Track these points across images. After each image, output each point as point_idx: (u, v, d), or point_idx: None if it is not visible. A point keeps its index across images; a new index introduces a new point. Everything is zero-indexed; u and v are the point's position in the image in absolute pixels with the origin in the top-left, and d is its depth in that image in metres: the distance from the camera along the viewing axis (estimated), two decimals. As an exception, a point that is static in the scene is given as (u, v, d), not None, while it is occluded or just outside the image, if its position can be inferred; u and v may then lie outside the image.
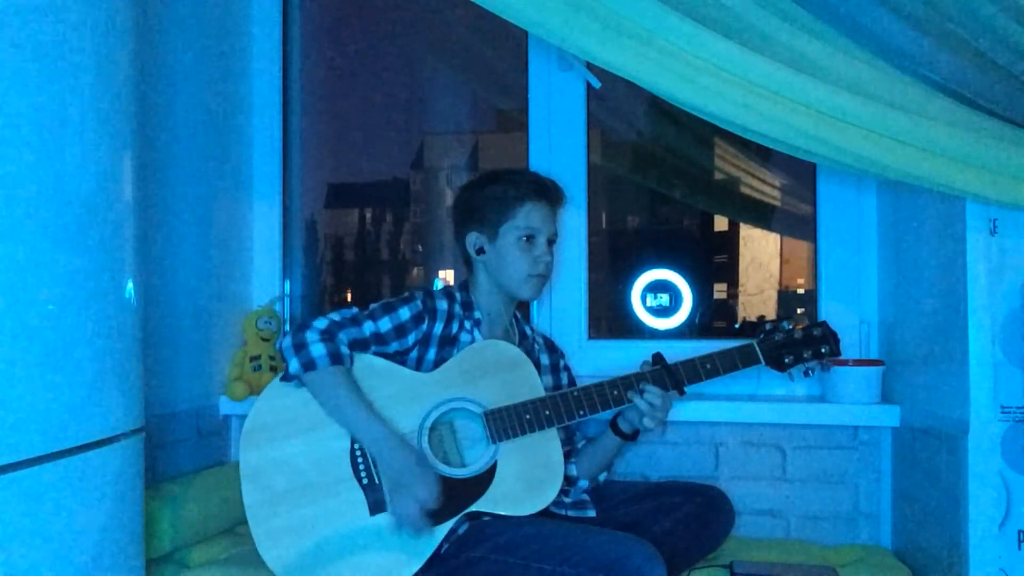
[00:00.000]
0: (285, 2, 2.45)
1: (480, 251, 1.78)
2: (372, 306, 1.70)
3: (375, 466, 1.61)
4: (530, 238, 1.75)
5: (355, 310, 1.68)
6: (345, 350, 1.61)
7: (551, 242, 1.79)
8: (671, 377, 1.69)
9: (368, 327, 1.66)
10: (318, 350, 1.58)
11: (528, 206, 1.75)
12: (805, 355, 1.72)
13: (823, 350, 1.73)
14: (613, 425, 1.79)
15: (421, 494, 1.54)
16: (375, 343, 1.66)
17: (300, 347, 1.58)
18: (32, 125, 1.15)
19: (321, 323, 1.62)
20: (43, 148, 1.17)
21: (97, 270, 1.28)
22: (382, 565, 1.57)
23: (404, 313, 1.68)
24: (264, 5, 2.42)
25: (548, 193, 1.79)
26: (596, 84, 2.18)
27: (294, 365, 1.58)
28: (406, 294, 1.73)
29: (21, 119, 1.13)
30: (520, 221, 1.75)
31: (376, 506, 1.59)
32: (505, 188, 1.77)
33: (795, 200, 2.44)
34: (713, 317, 2.60)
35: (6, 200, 1.11)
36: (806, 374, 1.75)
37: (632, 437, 1.79)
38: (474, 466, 1.63)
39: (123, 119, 1.35)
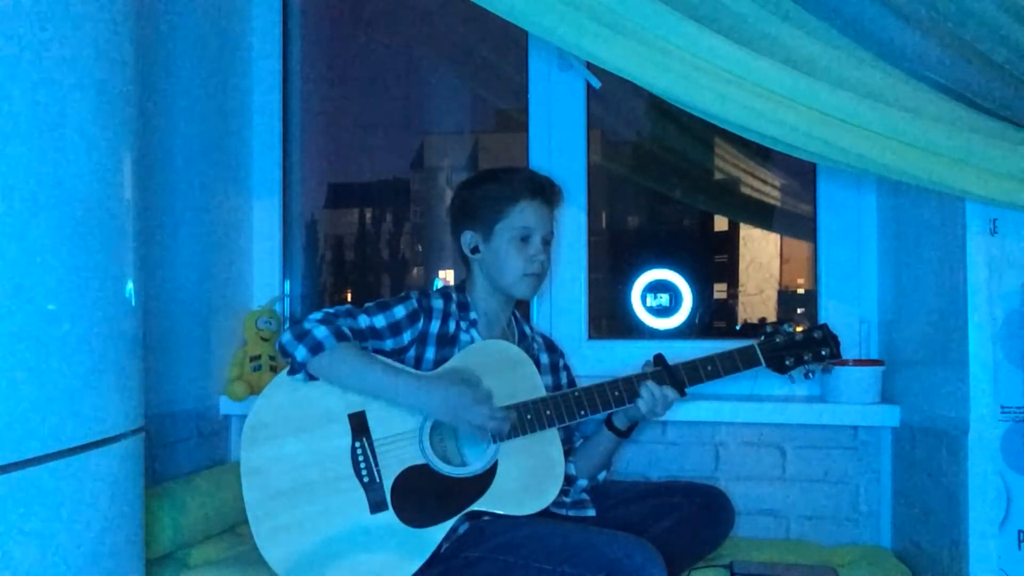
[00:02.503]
0: (285, 3, 2.45)
1: (475, 250, 1.78)
2: (367, 304, 1.70)
3: (376, 464, 1.61)
4: (525, 238, 1.75)
5: (349, 306, 1.68)
6: (346, 330, 1.61)
7: (547, 241, 1.79)
8: (672, 378, 1.69)
9: (363, 320, 1.66)
10: (321, 332, 1.58)
11: (522, 205, 1.75)
12: (806, 357, 1.72)
13: (823, 352, 1.73)
14: (608, 422, 1.79)
15: (478, 417, 1.57)
16: (371, 337, 1.66)
17: (303, 335, 1.58)
18: (32, 125, 1.15)
19: (317, 315, 1.63)
20: (43, 148, 1.17)
21: (97, 270, 1.28)
22: (382, 564, 1.57)
23: (399, 311, 1.68)
24: (264, 5, 2.42)
25: (543, 191, 1.78)
26: (596, 84, 2.18)
27: (301, 352, 1.57)
28: (401, 294, 1.73)
29: (21, 119, 1.13)
30: (514, 220, 1.74)
31: (377, 505, 1.59)
32: (499, 187, 1.77)
33: (795, 200, 2.44)
34: (713, 317, 2.60)
35: (6, 200, 1.11)
36: (807, 376, 1.75)
37: (626, 433, 1.79)
38: (475, 465, 1.63)
39: (123, 119, 1.35)
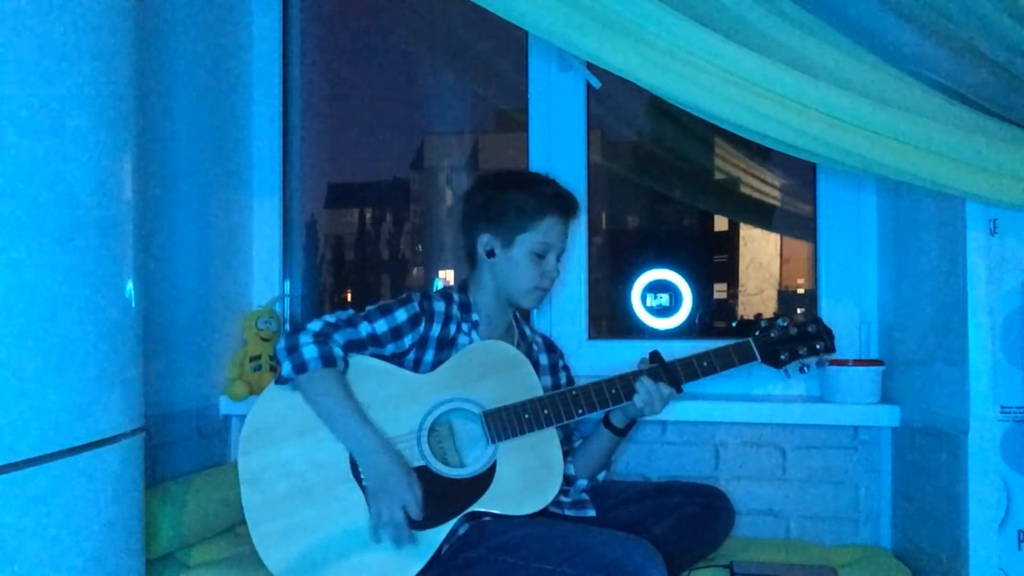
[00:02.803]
0: (285, 2, 2.45)
1: (491, 254, 1.77)
2: (368, 308, 1.70)
3: (375, 466, 1.61)
4: (543, 253, 1.75)
5: (351, 312, 1.68)
6: (339, 351, 1.61)
7: (559, 257, 1.79)
8: (668, 375, 1.69)
9: (364, 328, 1.65)
10: (310, 352, 1.58)
11: (549, 221, 1.74)
12: (800, 351, 1.72)
13: (818, 346, 1.72)
14: (605, 420, 1.79)
15: (404, 499, 1.54)
16: (371, 344, 1.66)
17: (292, 349, 1.58)
18: (32, 125, 1.15)
19: (315, 325, 1.62)
20: (43, 148, 1.17)
21: (97, 270, 1.28)
22: (383, 566, 1.57)
23: (400, 315, 1.68)
24: (264, 5, 2.42)
25: (569, 210, 1.78)
26: (596, 84, 2.18)
27: (286, 368, 1.58)
28: (403, 296, 1.72)
29: (21, 119, 1.13)
30: (538, 235, 1.74)
31: (376, 506, 1.59)
32: (528, 198, 1.75)
33: (795, 200, 2.44)
34: (713, 317, 2.60)
35: (6, 200, 1.11)
36: (802, 371, 1.75)
37: (623, 432, 1.79)
38: (474, 466, 1.63)
39: (123, 119, 1.35)
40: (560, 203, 1.77)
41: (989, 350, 1.55)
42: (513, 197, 1.76)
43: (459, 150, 2.91)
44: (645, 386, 1.67)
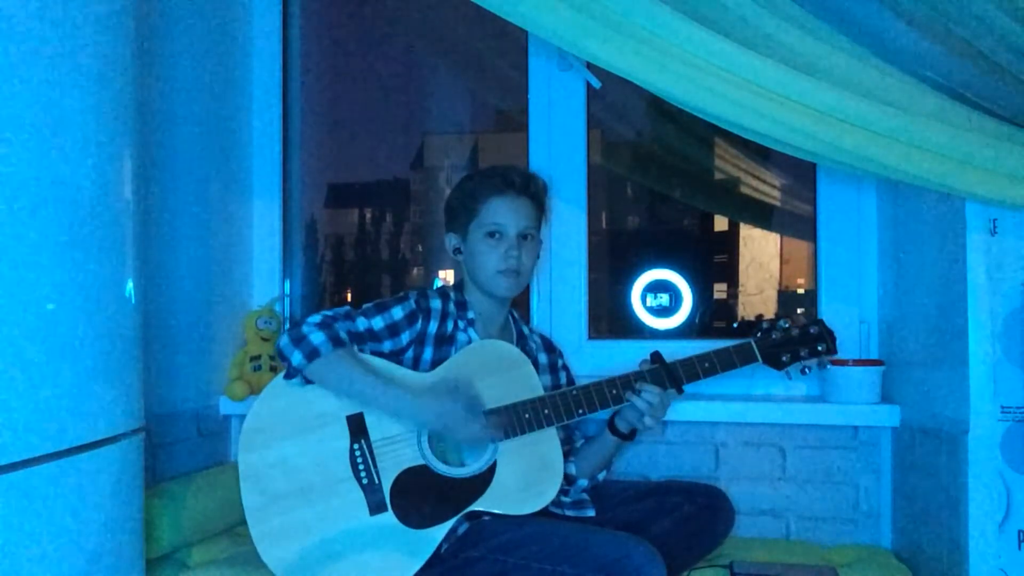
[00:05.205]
0: (285, 2, 2.45)
1: (457, 251, 1.79)
2: (365, 305, 1.70)
3: (375, 466, 1.61)
4: (494, 233, 1.73)
5: (348, 308, 1.68)
6: (344, 336, 1.61)
7: (526, 236, 1.75)
8: (669, 376, 1.69)
9: (362, 323, 1.65)
10: (318, 337, 1.57)
11: (494, 202, 1.73)
12: (802, 353, 1.72)
13: (820, 348, 1.72)
14: (611, 425, 1.79)
15: (468, 432, 1.58)
16: (369, 339, 1.66)
17: (299, 340, 1.58)
18: (32, 125, 1.15)
19: (315, 318, 1.62)
20: (43, 148, 1.17)
21: (97, 270, 1.28)
22: (382, 565, 1.57)
23: (397, 312, 1.68)
24: (264, 5, 2.42)
25: (515, 187, 1.75)
26: (596, 84, 2.18)
27: (297, 358, 1.57)
28: (400, 294, 1.73)
29: (21, 119, 1.13)
30: (484, 218, 1.74)
31: (376, 506, 1.59)
32: (472, 186, 1.78)
33: (795, 200, 2.44)
34: (713, 317, 2.60)
35: (6, 200, 1.11)
36: (803, 372, 1.74)
37: (629, 437, 1.79)
38: (473, 466, 1.63)
39: (123, 119, 1.35)
40: (502, 182, 1.74)
41: (989, 350, 1.55)
42: (459, 190, 1.80)
43: (459, 150, 2.91)
44: (646, 399, 1.66)
